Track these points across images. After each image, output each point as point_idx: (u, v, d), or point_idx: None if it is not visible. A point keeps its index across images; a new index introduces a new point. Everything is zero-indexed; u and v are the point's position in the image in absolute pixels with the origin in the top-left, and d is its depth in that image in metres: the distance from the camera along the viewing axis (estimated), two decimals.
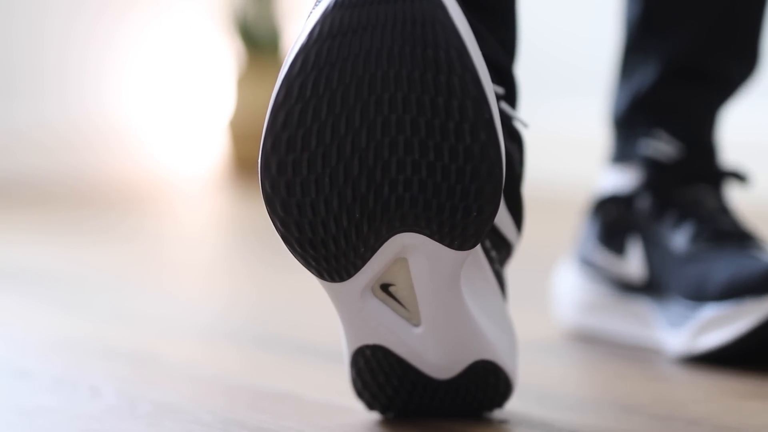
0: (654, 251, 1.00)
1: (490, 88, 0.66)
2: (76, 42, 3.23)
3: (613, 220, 1.03)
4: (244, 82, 3.22)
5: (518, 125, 0.79)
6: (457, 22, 0.66)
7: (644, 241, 1.01)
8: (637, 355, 0.96)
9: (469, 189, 0.66)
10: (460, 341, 0.72)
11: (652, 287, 1.00)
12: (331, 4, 0.66)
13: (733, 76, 1.06)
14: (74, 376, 0.91)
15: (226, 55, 3.34)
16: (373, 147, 0.67)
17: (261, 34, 3.22)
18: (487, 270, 0.75)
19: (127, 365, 0.94)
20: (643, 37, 1.05)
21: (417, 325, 0.71)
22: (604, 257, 1.04)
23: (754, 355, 0.91)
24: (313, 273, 0.70)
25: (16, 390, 0.88)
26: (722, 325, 0.92)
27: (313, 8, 0.67)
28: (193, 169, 3.39)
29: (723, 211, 1.01)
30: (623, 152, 1.05)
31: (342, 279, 0.70)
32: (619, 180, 1.04)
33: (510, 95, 0.79)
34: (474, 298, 0.72)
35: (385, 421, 0.77)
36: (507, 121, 0.77)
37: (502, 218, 0.76)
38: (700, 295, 0.94)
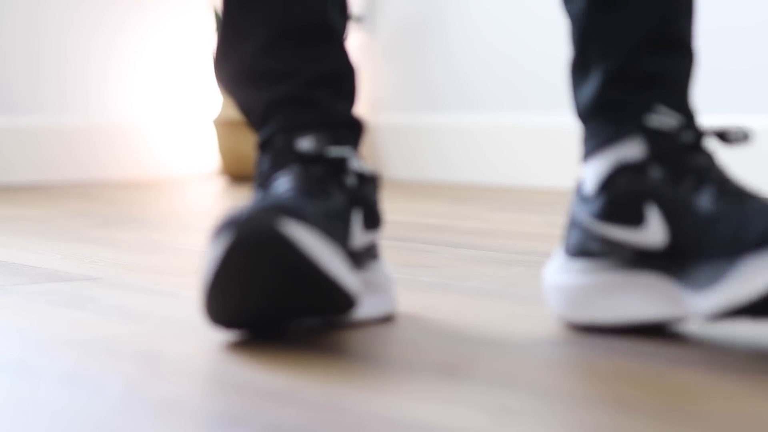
0: (676, 216, 1.00)
1: (339, 274, 0.98)
2: (75, 42, 3.23)
3: (625, 192, 1.03)
4: None
5: (366, 170, 1.10)
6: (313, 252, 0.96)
7: (663, 208, 1.01)
8: (639, 349, 0.97)
9: (339, 312, 1.02)
10: (348, 322, 1.05)
11: (674, 253, 1.00)
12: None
13: (689, 43, 1.08)
14: (79, 373, 0.91)
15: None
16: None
17: None
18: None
19: (132, 362, 0.95)
20: (596, 20, 1.07)
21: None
22: (618, 232, 1.04)
23: None
24: None
25: (21, 387, 0.88)
26: (763, 273, 0.90)
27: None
28: (189, 167, 3.39)
29: (729, 172, 1.03)
30: (616, 132, 1.05)
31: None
32: (619, 156, 1.05)
33: (356, 140, 1.14)
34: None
35: (384, 420, 0.78)
36: (358, 173, 1.11)
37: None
38: (738, 247, 0.93)
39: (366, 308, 1.09)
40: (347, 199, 1.10)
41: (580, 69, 1.09)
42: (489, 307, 1.20)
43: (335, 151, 1.11)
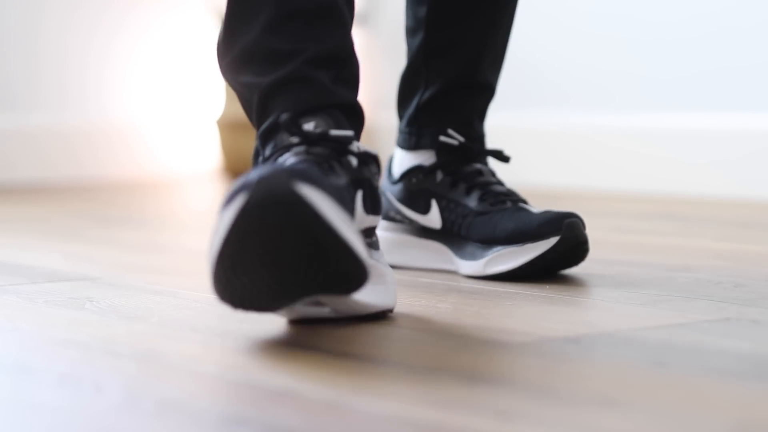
0: (450, 211, 1.42)
1: (353, 240, 0.97)
2: (75, 42, 3.23)
3: (418, 189, 1.45)
4: None
5: (369, 152, 1.14)
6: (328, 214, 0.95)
7: (440, 203, 1.44)
8: (648, 353, 0.97)
9: (349, 286, 1.01)
10: (351, 311, 1.07)
11: (445, 234, 1.43)
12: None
13: (492, 84, 1.48)
14: (79, 373, 0.91)
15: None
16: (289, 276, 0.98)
17: None
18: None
19: (131, 362, 0.95)
20: (425, 60, 1.45)
21: (324, 307, 1.07)
22: (410, 214, 1.46)
23: (530, 276, 1.33)
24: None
25: (21, 387, 0.88)
26: (509, 259, 1.34)
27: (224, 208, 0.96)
28: (190, 167, 3.39)
29: (495, 178, 1.45)
30: (417, 143, 1.46)
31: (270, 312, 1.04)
32: (417, 160, 1.46)
33: (358, 127, 1.18)
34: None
35: (385, 419, 0.78)
36: (360, 154, 1.13)
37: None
38: (491, 241, 1.37)
39: (370, 295, 1.07)
40: (350, 179, 1.10)
41: (407, 85, 1.48)
42: (489, 307, 1.20)
43: (338, 132, 1.12)
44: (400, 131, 1.49)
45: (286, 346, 1.00)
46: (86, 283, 1.36)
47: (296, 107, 1.13)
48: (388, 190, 1.49)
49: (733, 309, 1.15)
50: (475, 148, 1.45)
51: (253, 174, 0.95)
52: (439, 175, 1.44)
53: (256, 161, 1.16)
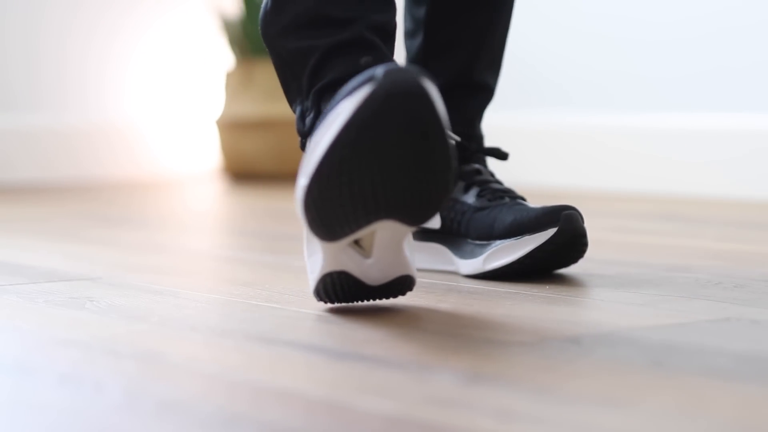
0: (448, 209, 1.42)
1: (454, 154, 1.04)
2: (76, 41, 3.23)
3: None
4: (231, 82, 3.23)
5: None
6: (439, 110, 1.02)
7: None
8: (635, 352, 0.97)
9: (431, 204, 1.07)
10: (394, 266, 1.12)
11: (445, 234, 1.42)
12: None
13: (491, 85, 1.49)
14: (79, 373, 0.91)
15: (216, 55, 3.34)
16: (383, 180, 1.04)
17: (248, 35, 3.22)
18: None
19: (131, 362, 0.95)
20: (425, 61, 1.46)
21: (369, 258, 1.11)
22: None
23: (530, 272, 1.34)
24: (315, 235, 1.09)
25: (21, 387, 0.88)
26: (508, 253, 1.34)
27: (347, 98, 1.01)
28: (189, 167, 3.39)
29: (493, 177, 1.45)
30: None
31: (335, 241, 1.09)
32: None
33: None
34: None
35: (385, 419, 0.78)
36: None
37: None
38: (490, 235, 1.37)
39: (414, 255, 1.16)
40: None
41: None
42: (489, 307, 1.20)
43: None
44: None
45: (286, 347, 1.00)
46: (86, 283, 1.36)
47: (360, 65, 1.13)
48: None
49: (733, 309, 1.15)
50: (473, 148, 1.46)
51: (375, 70, 1.00)
52: None
53: (303, 121, 1.16)
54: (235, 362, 0.95)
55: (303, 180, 1.05)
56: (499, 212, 1.38)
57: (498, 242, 1.35)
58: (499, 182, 1.45)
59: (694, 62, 2.62)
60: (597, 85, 2.80)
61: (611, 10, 2.77)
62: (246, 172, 3.20)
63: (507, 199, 1.40)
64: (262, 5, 1.20)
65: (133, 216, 2.31)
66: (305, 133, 1.15)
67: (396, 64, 1.04)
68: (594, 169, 2.76)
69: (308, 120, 1.15)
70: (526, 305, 1.21)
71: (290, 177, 2.86)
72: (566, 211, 1.33)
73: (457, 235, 1.41)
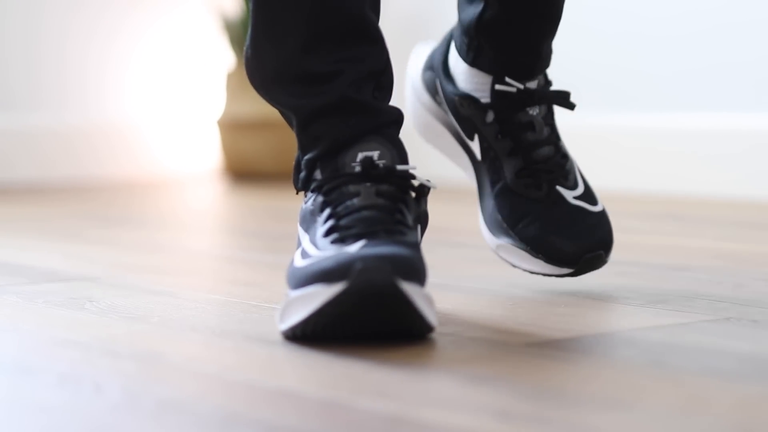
0: (490, 160, 1.30)
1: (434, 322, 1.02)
2: (76, 41, 3.23)
3: (467, 116, 1.30)
4: (232, 81, 3.23)
5: (421, 181, 1.12)
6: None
7: (483, 144, 1.30)
8: (632, 353, 0.96)
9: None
10: None
11: (480, 169, 1.31)
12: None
13: (557, 12, 1.30)
14: (78, 374, 0.91)
15: (216, 55, 3.34)
16: None
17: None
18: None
19: (131, 362, 0.95)
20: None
21: None
22: (464, 109, 1.30)
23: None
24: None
25: (21, 387, 0.88)
26: (520, 258, 1.26)
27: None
28: (189, 167, 3.39)
29: (545, 137, 1.29)
30: (475, 59, 1.28)
31: None
32: (471, 84, 1.30)
33: (399, 130, 1.15)
34: None
35: (385, 419, 0.78)
36: (418, 188, 1.12)
37: None
38: (512, 227, 1.27)
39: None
40: (414, 218, 1.10)
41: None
42: (489, 307, 1.20)
43: (402, 167, 1.10)
44: (456, 32, 1.31)
45: (286, 346, 1.00)
46: (86, 283, 1.36)
47: (350, 134, 1.10)
48: (444, 83, 1.33)
49: (733, 309, 1.15)
50: (535, 95, 1.29)
51: (353, 258, 0.97)
52: (490, 116, 1.29)
53: (297, 175, 1.15)
54: (235, 362, 0.95)
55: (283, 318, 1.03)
56: (528, 212, 1.26)
57: (513, 241, 1.26)
58: (551, 142, 1.30)
59: (693, 61, 2.61)
60: (596, 84, 2.80)
61: (611, 6, 2.77)
62: (246, 171, 3.20)
63: (544, 188, 1.27)
64: (244, 48, 1.16)
65: (133, 216, 2.31)
66: (298, 188, 1.15)
67: (371, 244, 1.01)
68: (593, 169, 2.76)
69: (300, 181, 1.14)
70: (525, 305, 1.21)
71: (290, 177, 2.86)
72: (589, 255, 1.24)
73: (487, 187, 1.30)
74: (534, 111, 1.28)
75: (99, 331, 1.07)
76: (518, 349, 0.98)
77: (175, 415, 0.79)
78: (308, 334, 0.99)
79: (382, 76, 1.14)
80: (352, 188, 1.08)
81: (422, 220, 1.12)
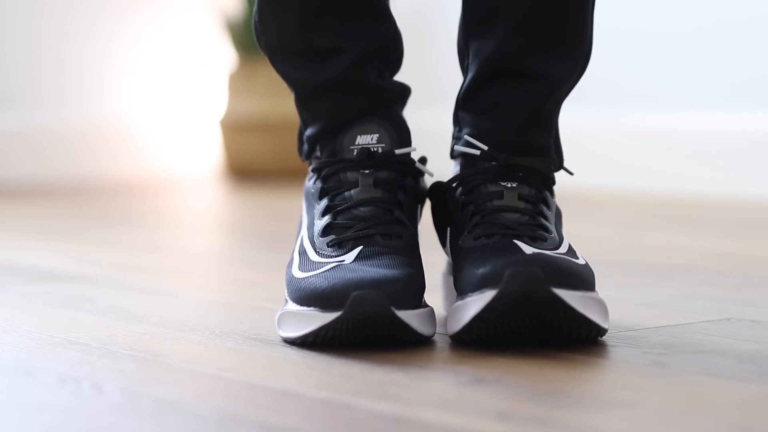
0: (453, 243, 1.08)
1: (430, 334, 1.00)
2: (75, 41, 3.23)
3: (437, 212, 1.11)
4: (234, 81, 3.23)
5: (419, 166, 1.09)
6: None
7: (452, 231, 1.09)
8: (628, 353, 0.96)
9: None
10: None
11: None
12: None
13: (547, 71, 1.09)
14: (78, 374, 0.91)
15: (218, 55, 3.34)
16: None
17: (251, 35, 3.22)
18: None
19: (130, 363, 0.95)
20: (463, 40, 1.12)
21: None
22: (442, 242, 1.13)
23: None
24: None
25: (20, 388, 0.88)
26: (458, 315, 1.00)
27: None
28: (190, 167, 3.39)
29: (516, 206, 1.05)
30: (452, 149, 1.12)
31: None
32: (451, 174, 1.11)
33: (404, 105, 1.13)
34: None
35: (385, 419, 0.77)
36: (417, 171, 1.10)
37: None
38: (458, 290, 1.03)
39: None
40: (412, 200, 1.09)
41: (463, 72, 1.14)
42: None
43: (402, 150, 1.09)
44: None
45: (285, 347, 1.00)
46: (86, 283, 1.36)
47: (349, 114, 1.09)
48: None
49: (734, 309, 1.15)
50: (501, 159, 1.06)
51: (348, 284, 0.97)
52: (458, 192, 1.09)
53: (301, 146, 1.13)
54: (234, 363, 0.95)
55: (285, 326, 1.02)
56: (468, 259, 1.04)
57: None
58: (522, 211, 1.06)
59: (694, 59, 2.61)
60: (596, 82, 2.80)
61: (613, 4, 2.77)
62: (248, 171, 3.19)
63: (497, 238, 1.03)
64: (253, 13, 1.15)
65: (133, 216, 2.31)
66: (302, 158, 1.13)
67: (364, 265, 1.00)
68: (593, 169, 2.76)
69: (303, 153, 1.13)
70: None
71: (292, 176, 2.86)
72: (511, 269, 0.95)
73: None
74: (506, 185, 1.06)
75: (98, 332, 1.07)
76: (518, 349, 0.98)
77: (174, 415, 0.79)
78: (306, 345, 1.00)
79: (389, 51, 1.12)
80: (349, 176, 1.08)
81: (422, 198, 1.12)
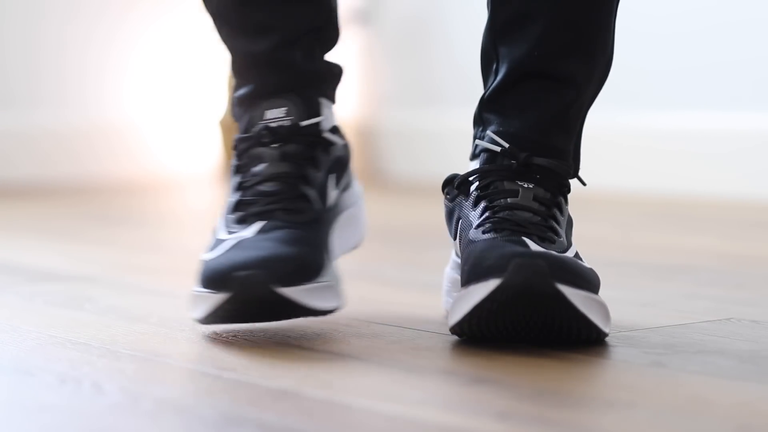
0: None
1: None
2: (75, 41, 3.23)
3: (449, 209, 1.10)
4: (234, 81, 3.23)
5: (338, 138, 1.14)
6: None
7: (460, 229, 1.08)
8: (634, 354, 0.97)
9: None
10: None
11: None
12: None
13: (576, 78, 1.10)
14: (78, 374, 0.91)
15: (218, 55, 3.34)
16: None
17: None
18: None
19: (130, 363, 0.95)
20: (491, 43, 1.10)
21: None
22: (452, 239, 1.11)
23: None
24: None
25: (20, 388, 0.88)
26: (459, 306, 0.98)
27: None
28: (190, 167, 3.39)
29: (529, 205, 1.04)
30: (474, 150, 1.11)
31: None
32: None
33: (333, 88, 1.16)
34: None
35: (385, 419, 0.77)
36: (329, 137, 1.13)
37: None
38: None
39: (339, 247, 1.12)
40: (325, 171, 1.12)
41: (484, 76, 1.12)
42: None
43: (307, 122, 1.11)
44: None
45: (285, 347, 1.00)
46: (86, 283, 1.36)
47: (267, 89, 1.12)
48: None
49: (734, 309, 1.15)
50: (521, 158, 1.06)
51: (233, 265, 1.00)
52: (474, 186, 1.08)
53: (234, 111, 1.17)
54: (234, 362, 0.95)
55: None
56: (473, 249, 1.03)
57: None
58: (533, 210, 1.05)
59: (695, 59, 2.61)
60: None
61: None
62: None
63: (506, 233, 1.02)
64: None
65: (133, 216, 2.31)
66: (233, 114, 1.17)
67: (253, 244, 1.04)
68: (593, 169, 2.76)
69: (235, 115, 1.16)
70: None
71: None
72: (516, 260, 0.95)
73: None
74: (523, 184, 1.06)
75: (98, 331, 1.07)
76: (518, 349, 0.98)
77: (174, 415, 0.79)
78: (208, 324, 1.04)
79: (322, 31, 1.15)
80: (258, 151, 1.11)
81: (337, 167, 1.14)
